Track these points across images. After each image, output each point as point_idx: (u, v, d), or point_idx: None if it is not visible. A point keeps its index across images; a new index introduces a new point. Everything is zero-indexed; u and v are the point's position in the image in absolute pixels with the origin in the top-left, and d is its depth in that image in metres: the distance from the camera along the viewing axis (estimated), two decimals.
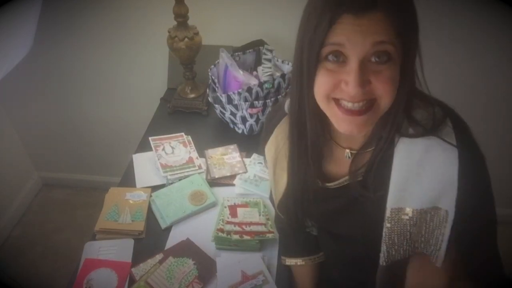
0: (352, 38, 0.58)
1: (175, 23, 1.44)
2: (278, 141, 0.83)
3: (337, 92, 0.63)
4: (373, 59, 0.59)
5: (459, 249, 0.70)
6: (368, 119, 0.64)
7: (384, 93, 0.61)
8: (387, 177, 0.69)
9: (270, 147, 0.87)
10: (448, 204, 0.66)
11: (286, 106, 0.80)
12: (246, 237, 1.09)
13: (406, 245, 0.72)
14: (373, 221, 0.73)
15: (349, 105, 0.63)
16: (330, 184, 0.78)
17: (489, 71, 1.61)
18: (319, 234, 0.96)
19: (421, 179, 0.67)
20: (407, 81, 0.63)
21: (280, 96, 1.38)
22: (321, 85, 0.64)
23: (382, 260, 0.74)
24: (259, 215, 1.15)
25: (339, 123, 0.66)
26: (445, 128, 0.67)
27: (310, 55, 0.62)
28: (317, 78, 0.64)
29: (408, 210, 0.69)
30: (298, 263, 1.00)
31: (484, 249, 0.71)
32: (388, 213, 0.69)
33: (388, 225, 0.70)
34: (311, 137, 0.74)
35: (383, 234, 0.71)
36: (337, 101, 0.64)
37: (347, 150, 0.76)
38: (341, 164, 0.77)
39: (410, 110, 0.69)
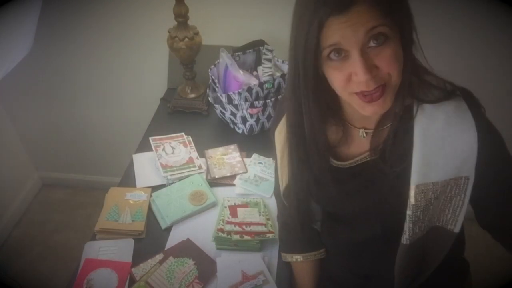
0: (345, 35, 0.60)
1: (175, 23, 1.44)
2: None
3: (352, 86, 0.65)
4: (372, 44, 0.61)
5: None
6: (387, 97, 0.66)
7: (391, 70, 0.63)
8: (408, 152, 0.70)
9: (281, 129, 0.87)
10: (468, 170, 0.68)
11: None
12: (246, 237, 1.09)
13: (428, 220, 0.74)
14: (393, 198, 0.74)
15: (367, 92, 0.65)
16: (345, 163, 0.79)
17: (490, 71, 1.61)
18: (325, 224, 0.95)
19: (443, 152, 0.69)
20: (409, 52, 0.66)
21: (280, 96, 1.38)
22: (335, 81, 0.66)
23: (405, 238, 0.75)
24: (259, 215, 1.15)
25: (363, 109, 0.68)
26: (457, 97, 0.70)
27: (307, 58, 0.64)
28: (329, 76, 0.66)
29: (433, 183, 0.70)
30: (299, 260, 1.00)
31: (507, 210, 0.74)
32: (413, 189, 0.70)
33: (414, 202, 0.71)
34: (316, 123, 0.75)
35: (408, 211, 0.72)
36: (358, 93, 0.66)
37: (361, 130, 0.77)
38: (355, 144, 0.79)
39: (423, 79, 0.71)
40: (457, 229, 0.73)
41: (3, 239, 2.07)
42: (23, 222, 2.17)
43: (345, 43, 0.61)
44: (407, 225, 0.73)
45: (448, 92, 0.70)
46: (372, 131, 0.76)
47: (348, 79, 0.64)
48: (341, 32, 0.60)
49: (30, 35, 1.64)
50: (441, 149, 0.69)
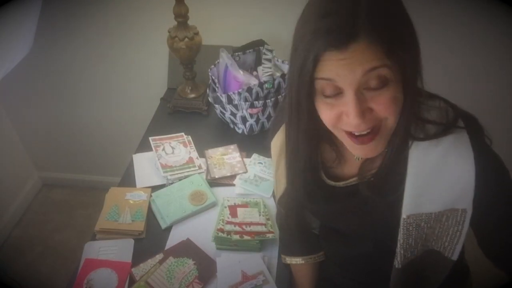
0: (341, 73, 0.56)
1: (175, 23, 1.44)
2: (284, 137, 0.82)
3: (342, 124, 0.62)
4: (371, 86, 0.57)
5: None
6: (380, 141, 0.63)
7: (388, 114, 0.60)
8: (400, 181, 0.68)
9: (276, 142, 0.86)
10: (465, 203, 0.66)
11: None
12: (246, 237, 1.09)
13: (421, 245, 0.73)
14: (385, 224, 0.73)
15: (357, 133, 0.62)
16: (339, 184, 0.78)
17: (490, 71, 1.61)
18: (322, 233, 0.95)
19: (438, 185, 0.67)
20: (411, 92, 0.61)
21: (280, 96, 1.38)
22: (325, 118, 0.63)
23: (397, 262, 0.74)
24: (259, 215, 1.15)
25: (353, 150, 0.66)
26: (457, 128, 0.67)
27: (300, 90, 0.61)
28: (319, 111, 0.63)
29: (426, 214, 0.68)
30: (298, 262, 1.00)
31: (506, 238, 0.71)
32: (404, 219, 0.69)
33: (405, 230, 0.70)
34: (308, 156, 0.74)
35: (399, 238, 0.71)
36: (348, 131, 0.63)
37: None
38: (351, 164, 0.77)
39: (420, 112, 0.68)
40: (454, 257, 0.72)
41: (3, 239, 2.07)
42: (23, 222, 2.17)
43: (340, 82, 0.57)
44: (398, 251, 0.73)
45: (448, 124, 0.67)
46: None
47: (338, 117, 0.61)
48: (337, 70, 0.55)
49: (30, 35, 1.64)
50: (435, 181, 0.67)
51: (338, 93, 0.59)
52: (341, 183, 0.78)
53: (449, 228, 0.69)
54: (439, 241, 0.72)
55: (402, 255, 0.73)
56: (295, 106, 0.65)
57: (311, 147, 0.73)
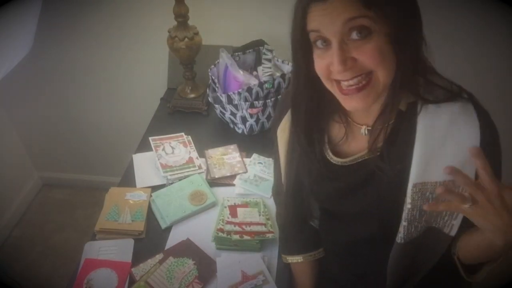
0: (324, 22, 0.62)
1: (175, 23, 1.44)
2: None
3: (332, 74, 0.67)
4: (355, 36, 0.62)
5: None
6: (369, 93, 0.66)
7: (374, 65, 0.63)
8: (409, 151, 0.69)
9: (283, 127, 0.86)
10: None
11: None
12: (246, 237, 1.09)
13: (424, 221, 0.73)
14: (391, 197, 0.74)
15: (345, 83, 0.66)
16: (345, 160, 0.79)
17: (488, 70, 1.61)
18: (322, 222, 0.95)
19: (444, 152, 0.68)
20: (406, 49, 0.64)
21: (280, 96, 1.38)
22: (318, 69, 0.68)
23: (400, 237, 0.74)
24: (259, 215, 1.15)
25: (343, 102, 0.69)
26: (463, 99, 0.69)
27: (295, 42, 0.69)
28: (315, 64, 0.68)
29: (431, 184, 0.69)
30: (299, 260, 1.00)
31: None
32: (410, 188, 0.70)
33: (410, 200, 0.70)
34: (308, 116, 0.77)
35: (405, 210, 0.72)
36: (337, 82, 0.67)
37: (364, 127, 0.77)
38: (357, 140, 0.78)
39: (429, 79, 0.70)
40: (453, 233, 0.72)
41: (3, 239, 2.07)
42: (23, 222, 2.17)
43: (325, 32, 0.63)
44: (402, 224, 0.73)
45: (454, 93, 0.70)
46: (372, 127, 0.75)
47: (328, 67, 0.66)
48: (320, 20, 0.62)
49: (30, 35, 1.64)
50: (442, 149, 0.68)
51: (327, 44, 0.65)
52: (347, 160, 0.79)
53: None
54: (439, 216, 0.73)
55: (406, 228, 0.73)
56: (294, 59, 0.71)
57: (313, 102, 0.76)
